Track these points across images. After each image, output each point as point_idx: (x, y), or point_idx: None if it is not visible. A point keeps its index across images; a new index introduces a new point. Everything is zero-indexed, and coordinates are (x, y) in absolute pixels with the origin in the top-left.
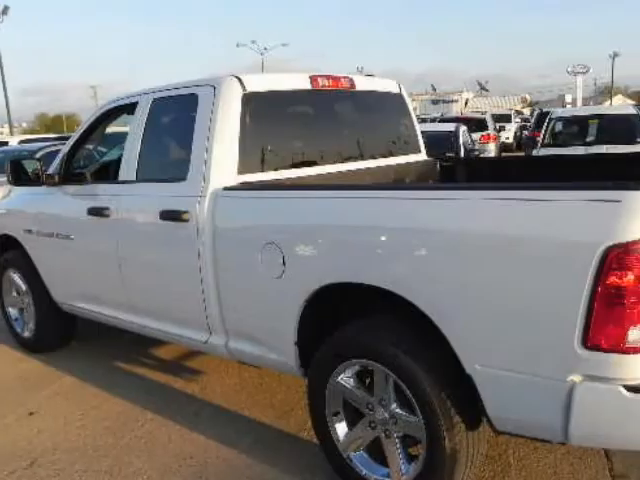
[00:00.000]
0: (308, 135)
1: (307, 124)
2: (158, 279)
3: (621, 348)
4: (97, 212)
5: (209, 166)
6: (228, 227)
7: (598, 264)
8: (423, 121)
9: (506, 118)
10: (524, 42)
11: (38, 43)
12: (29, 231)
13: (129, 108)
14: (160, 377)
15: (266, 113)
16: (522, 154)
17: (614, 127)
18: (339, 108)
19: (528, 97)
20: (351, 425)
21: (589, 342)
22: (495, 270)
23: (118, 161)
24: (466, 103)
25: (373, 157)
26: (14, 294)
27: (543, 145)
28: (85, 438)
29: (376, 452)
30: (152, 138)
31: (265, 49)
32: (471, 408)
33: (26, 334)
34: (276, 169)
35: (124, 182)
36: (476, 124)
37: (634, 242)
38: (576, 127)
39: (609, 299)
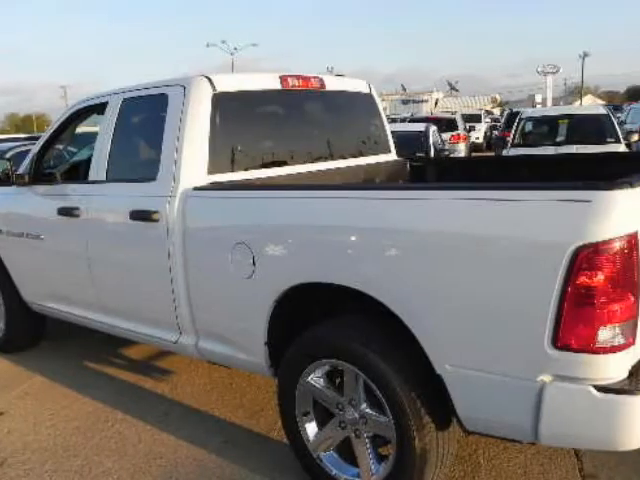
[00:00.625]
0: (278, 135)
1: (277, 124)
2: (128, 279)
3: (591, 348)
4: (67, 212)
5: (179, 166)
6: (198, 227)
7: (568, 264)
8: (393, 121)
9: (476, 118)
10: (494, 42)
11: (7, 43)
12: None
13: (99, 108)
14: (130, 377)
15: (236, 113)
16: (492, 154)
17: (584, 127)
18: (309, 108)
19: (498, 97)
20: (321, 425)
21: (559, 342)
22: (465, 270)
23: (88, 161)
24: (436, 103)
25: (343, 157)
26: None
27: (513, 145)
28: (55, 438)
29: (346, 452)
30: (122, 138)
31: (235, 49)
32: (441, 408)
33: None
34: (246, 169)
35: (94, 182)
36: (446, 124)
37: (604, 242)
38: (546, 127)
39: (579, 299)
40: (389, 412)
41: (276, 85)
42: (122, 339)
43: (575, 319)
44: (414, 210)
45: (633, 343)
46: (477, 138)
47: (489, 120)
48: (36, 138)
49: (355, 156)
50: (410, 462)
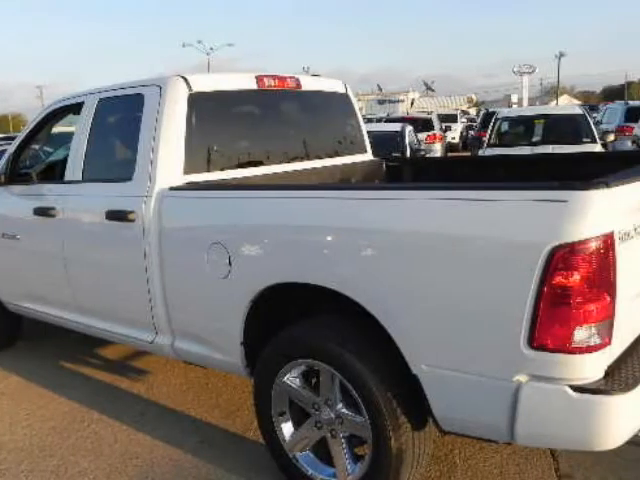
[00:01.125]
0: (254, 135)
1: (253, 124)
2: (104, 279)
3: (567, 348)
4: (43, 212)
5: (155, 166)
6: (174, 227)
7: (544, 264)
8: (369, 121)
9: (452, 118)
10: (470, 42)
11: None
12: None
13: (75, 108)
14: (106, 377)
15: (212, 113)
16: (468, 154)
17: (560, 127)
18: (285, 108)
19: (474, 97)
20: (297, 425)
21: (535, 342)
22: (441, 270)
23: (64, 161)
24: (412, 103)
25: (319, 157)
26: None
27: (489, 145)
28: (31, 438)
29: (322, 452)
30: (98, 138)
31: (211, 49)
32: (417, 408)
33: None
34: (222, 169)
35: (70, 182)
36: (422, 124)
37: (580, 242)
38: (522, 127)
39: (555, 299)
40: (365, 412)
41: (252, 85)
42: (98, 339)
43: (551, 319)
44: (390, 210)
45: (609, 343)
46: (453, 138)
47: (465, 120)
48: (12, 138)
49: (331, 156)
50: (386, 462)
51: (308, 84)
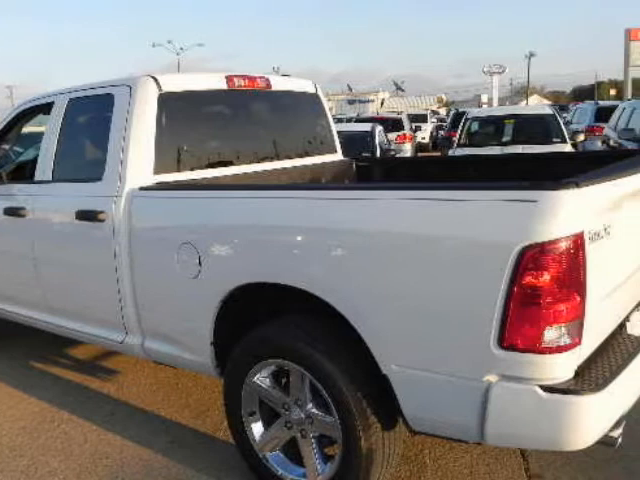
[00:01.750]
0: (224, 135)
1: (223, 124)
2: (74, 279)
3: (537, 348)
4: (13, 212)
5: (125, 166)
6: (144, 227)
7: (514, 264)
8: (339, 121)
9: (422, 118)
10: (440, 42)
11: None
12: None
13: (45, 108)
14: (76, 377)
15: (182, 113)
16: (438, 154)
17: (530, 127)
18: (255, 108)
19: (444, 97)
20: (267, 425)
21: (505, 342)
22: (411, 270)
23: (34, 161)
24: (382, 103)
25: (289, 157)
26: None
27: (459, 145)
28: (1, 438)
29: (292, 452)
30: (68, 138)
31: (181, 49)
32: (387, 408)
33: None
34: (192, 169)
35: (40, 182)
36: (392, 124)
37: (550, 242)
38: (492, 127)
39: (525, 299)
40: (335, 412)
41: (222, 85)
42: (68, 339)
43: (521, 319)
44: (360, 210)
45: (579, 343)
46: (423, 138)
47: (435, 120)
48: None
49: (301, 156)
50: (356, 462)
51: (278, 84)
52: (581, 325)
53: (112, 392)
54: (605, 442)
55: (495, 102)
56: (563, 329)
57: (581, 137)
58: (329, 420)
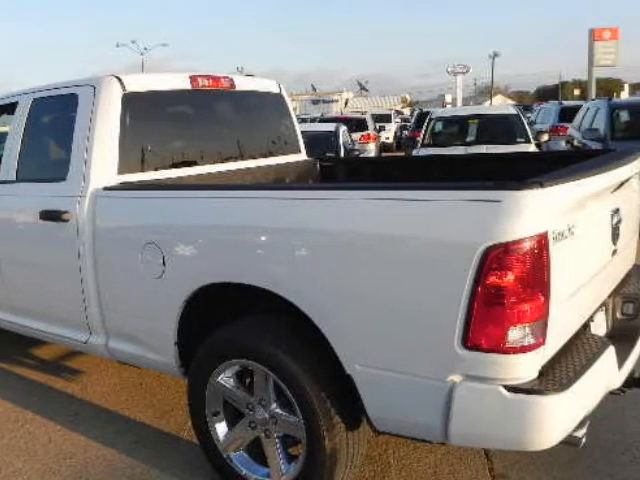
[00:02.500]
0: (188, 135)
1: (187, 124)
2: (38, 279)
3: (501, 348)
4: None
5: (89, 166)
6: (108, 227)
7: (478, 264)
8: (303, 121)
9: (386, 118)
10: (404, 42)
11: None
12: None
13: (9, 108)
14: (40, 377)
15: (146, 113)
16: (402, 154)
17: (494, 127)
18: (219, 108)
19: (408, 97)
20: (231, 425)
21: (469, 342)
22: (375, 270)
23: None
24: (346, 103)
25: (253, 157)
26: None
27: (423, 145)
28: None
29: (256, 452)
30: (32, 138)
31: (145, 49)
32: (351, 408)
33: None
34: (156, 169)
35: (4, 182)
36: (356, 124)
37: (514, 242)
38: (456, 127)
39: (489, 299)
40: (299, 412)
41: (186, 85)
42: (32, 339)
43: (485, 319)
44: (324, 210)
45: (543, 343)
46: (387, 138)
47: (399, 120)
48: None
49: (265, 156)
50: (320, 462)
51: (242, 84)
52: (545, 325)
53: (76, 392)
54: (569, 442)
55: (459, 102)
56: (527, 329)
57: (545, 137)
58: (293, 420)
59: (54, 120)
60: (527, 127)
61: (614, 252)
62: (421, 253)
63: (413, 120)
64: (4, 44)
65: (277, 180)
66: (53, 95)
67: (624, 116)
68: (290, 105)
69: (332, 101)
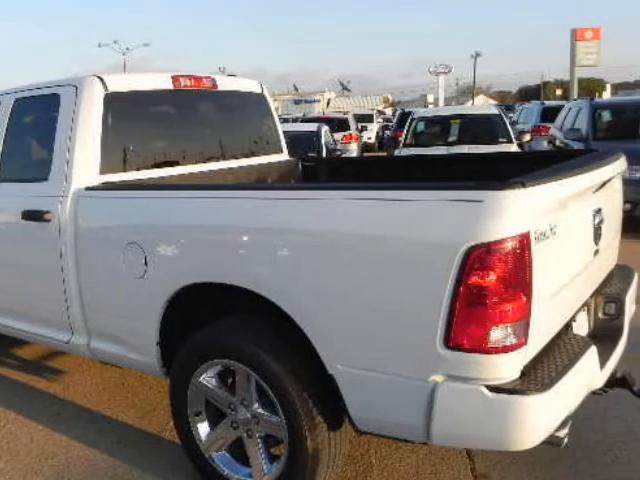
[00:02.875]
0: (170, 135)
1: (169, 124)
2: (20, 279)
3: (483, 348)
4: None
5: (71, 166)
6: (90, 227)
7: (460, 264)
8: (285, 121)
9: (368, 118)
10: (386, 42)
11: None
12: None
13: None
14: (22, 377)
15: (128, 113)
16: (384, 154)
17: (476, 127)
18: (201, 108)
19: (390, 97)
20: (213, 425)
21: (451, 342)
22: (357, 270)
23: None
24: (328, 103)
25: (235, 157)
26: None
27: (405, 145)
28: None
29: (238, 452)
30: (14, 138)
31: (127, 49)
32: (333, 408)
33: None
34: (138, 169)
35: None
36: (338, 124)
37: (496, 242)
38: (438, 127)
39: (471, 299)
40: (281, 412)
41: (168, 85)
42: (14, 339)
43: (467, 319)
44: (306, 210)
45: (525, 343)
46: (369, 138)
47: (381, 120)
48: None
49: (247, 156)
50: (302, 462)
51: (224, 84)
52: (527, 325)
53: (58, 392)
54: (551, 442)
55: (441, 102)
56: (509, 329)
57: (527, 137)
58: (275, 420)
59: (36, 120)
60: (509, 127)
61: (596, 252)
62: (403, 253)
63: (395, 120)
64: None
65: (259, 180)
66: (35, 95)
67: (606, 116)
68: (272, 105)
69: (314, 101)
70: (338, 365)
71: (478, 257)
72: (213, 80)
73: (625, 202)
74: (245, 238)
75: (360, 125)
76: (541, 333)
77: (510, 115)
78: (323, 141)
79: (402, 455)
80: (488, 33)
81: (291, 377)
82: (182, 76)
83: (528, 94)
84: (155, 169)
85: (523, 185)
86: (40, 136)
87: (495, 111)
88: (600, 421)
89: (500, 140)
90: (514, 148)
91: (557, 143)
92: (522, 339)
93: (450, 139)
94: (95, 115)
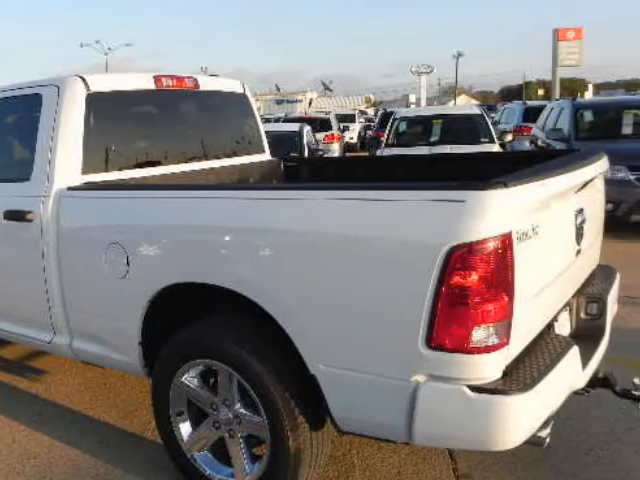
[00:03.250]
0: (152, 135)
1: (151, 124)
2: (2, 279)
3: (465, 348)
4: None
5: (53, 166)
6: (72, 227)
7: (442, 264)
8: (267, 121)
9: (350, 118)
10: (368, 42)
11: None
12: None
13: None
14: (4, 377)
15: (110, 113)
16: (366, 154)
17: (458, 127)
18: (183, 108)
19: (372, 97)
20: (195, 425)
21: (433, 342)
22: (339, 270)
23: None
24: (310, 103)
25: (217, 157)
26: None
27: (387, 145)
28: None
29: (220, 452)
30: None
31: (109, 49)
32: (315, 408)
33: None
34: (120, 169)
35: None
36: (320, 124)
37: (478, 242)
38: (420, 127)
39: (453, 299)
40: (263, 412)
41: (150, 85)
42: None
43: (449, 319)
44: (288, 210)
45: (507, 343)
46: (351, 138)
47: (363, 120)
48: None
49: (229, 156)
50: (284, 462)
51: (206, 84)
52: (509, 325)
53: (40, 392)
54: (533, 442)
55: (423, 102)
56: (491, 329)
57: (509, 137)
58: (257, 420)
59: (18, 120)
60: (491, 127)
61: (578, 252)
62: (385, 253)
63: (377, 120)
64: None
65: (241, 180)
66: (17, 95)
67: (588, 116)
68: (254, 105)
69: (296, 101)
70: (320, 365)
71: (460, 257)
72: (195, 80)
73: (607, 202)
74: (227, 238)
75: (342, 125)
76: (523, 333)
77: (492, 115)
78: (305, 141)
79: (384, 455)
80: (470, 33)
81: (273, 377)
82: (164, 76)
83: (510, 94)
84: (137, 169)
85: (505, 185)
86: (22, 136)
87: (477, 111)
88: (582, 421)
89: (482, 140)
90: (496, 148)
91: (539, 143)
92: (504, 339)
93: (432, 139)
94: (77, 115)
